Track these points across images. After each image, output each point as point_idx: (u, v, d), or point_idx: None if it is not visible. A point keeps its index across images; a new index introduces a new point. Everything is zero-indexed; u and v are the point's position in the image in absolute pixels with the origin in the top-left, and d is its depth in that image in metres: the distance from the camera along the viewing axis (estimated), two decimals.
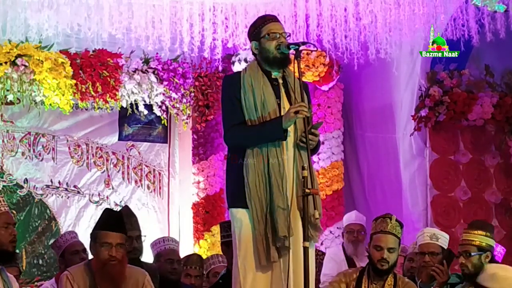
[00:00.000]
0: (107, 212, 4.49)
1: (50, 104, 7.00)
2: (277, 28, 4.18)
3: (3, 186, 7.51)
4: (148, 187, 8.12)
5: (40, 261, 7.56)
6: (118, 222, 4.36)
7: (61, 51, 7.10)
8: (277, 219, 3.94)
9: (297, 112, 3.94)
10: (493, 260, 4.81)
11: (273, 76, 4.17)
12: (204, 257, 6.73)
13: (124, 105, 7.49)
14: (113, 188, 7.97)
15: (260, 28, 4.19)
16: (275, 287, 4.00)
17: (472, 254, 4.67)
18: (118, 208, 7.92)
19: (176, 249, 5.79)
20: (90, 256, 4.97)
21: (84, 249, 5.91)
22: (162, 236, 6.44)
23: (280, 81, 4.18)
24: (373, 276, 4.70)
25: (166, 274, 5.57)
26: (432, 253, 5.21)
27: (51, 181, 7.72)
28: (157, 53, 7.50)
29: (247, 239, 4.00)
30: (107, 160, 7.98)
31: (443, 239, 5.33)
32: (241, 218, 4.03)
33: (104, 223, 4.35)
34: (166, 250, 5.70)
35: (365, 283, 4.66)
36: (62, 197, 7.74)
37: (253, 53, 4.26)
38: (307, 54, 7.69)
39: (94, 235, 4.35)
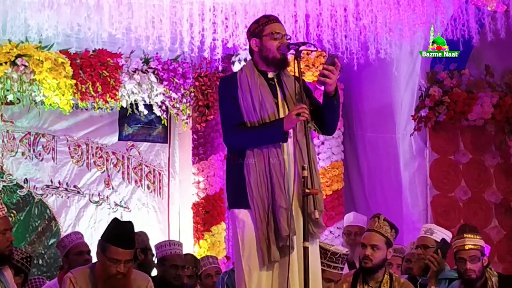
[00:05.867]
0: (118, 225, 4.38)
1: (50, 104, 7.00)
2: (280, 29, 4.17)
3: (3, 186, 7.52)
4: (148, 187, 8.12)
5: (40, 261, 7.56)
6: (128, 238, 4.29)
7: (61, 51, 7.10)
8: (279, 219, 3.94)
9: (299, 114, 3.93)
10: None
11: (269, 76, 4.17)
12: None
13: (124, 105, 7.49)
14: (113, 188, 7.97)
15: (264, 26, 4.17)
16: (279, 286, 4.00)
17: (480, 258, 4.73)
18: (118, 208, 7.93)
19: (181, 254, 5.76)
20: (94, 258, 4.96)
21: (89, 251, 5.92)
22: (167, 240, 6.43)
23: (276, 80, 4.18)
24: (368, 278, 4.69)
25: (170, 279, 5.57)
26: (424, 246, 5.25)
27: (51, 181, 7.72)
28: (157, 53, 7.50)
29: (250, 239, 4.00)
30: (107, 160, 7.98)
31: (440, 234, 5.35)
32: (243, 218, 4.03)
33: (115, 237, 4.25)
34: (171, 255, 5.67)
35: (360, 286, 4.65)
36: (62, 197, 7.74)
37: (251, 51, 4.24)
38: (307, 54, 7.69)
39: (103, 246, 4.27)
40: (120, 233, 4.28)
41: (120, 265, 4.20)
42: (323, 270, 4.39)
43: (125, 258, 4.23)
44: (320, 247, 4.43)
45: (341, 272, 4.53)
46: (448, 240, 5.29)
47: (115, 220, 4.46)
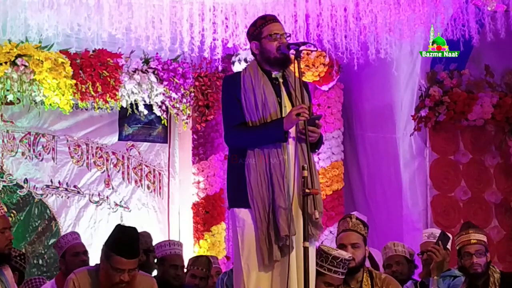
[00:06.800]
0: (122, 232, 4.28)
1: (50, 104, 7.00)
2: (278, 28, 4.18)
3: (3, 186, 7.52)
4: (148, 187, 8.12)
5: (40, 261, 7.56)
6: (133, 247, 4.22)
7: (61, 51, 7.10)
8: (278, 219, 3.94)
9: (299, 114, 3.93)
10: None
11: (273, 76, 4.17)
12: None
13: (124, 105, 7.50)
14: (113, 188, 7.97)
15: (261, 28, 4.18)
16: (278, 285, 4.00)
17: (485, 253, 4.73)
18: (118, 208, 7.93)
19: (180, 254, 5.77)
20: (93, 258, 4.92)
21: (85, 251, 5.91)
22: (167, 239, 6.43)
23: (281, 80, 4.18)
24: (348, 278, 4.65)
25: (169, 279, 5.57)
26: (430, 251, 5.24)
27: (51, 181, 7.72)
28: (157, 53, 7.50)
29: (250, 239, 4.00)
30: (107, 160, 7.98)
31: None
32: (243, 217, 4.03)
33: (119, 247, 4.17)
34: (171, 255, 5.67)
35: (341, 286, 4.62)
36: (62, 197, 7.74)
37: (253, 53, 4.25)
38: (307, 54, 7.68)
39: (107, 254, 4.20)
40: (124, 242, 4.20)
41: (124, 274, 4.15)
42: (323, 274, 4.37)
43: (129, 267, 4.17)
44: (322, 251, 4.42)
45: (341, 277, 4.49)
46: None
47: (119, 227, 4.36)
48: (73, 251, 5.82)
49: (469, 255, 4.74)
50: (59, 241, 5.99)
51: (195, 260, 5.96)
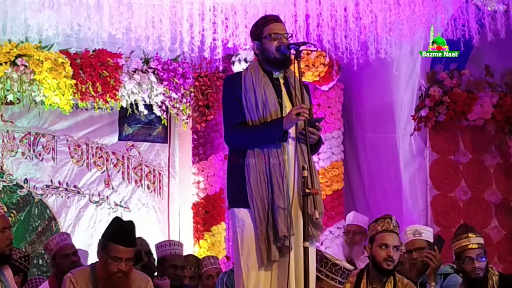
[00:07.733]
0: (119, 223, 4.40)
1: (50, 104, 7.00)
2: (279, 28, 4.18)
3: (3, 186, 7.52)
4: (148, 187, 8.12)
5: (40, 261, 7.56)
6: (130, 236, 4.32)
7: (61, 51, 7.10)
8: (277, 219, 3.94)
9: (299, 114, 3.94)
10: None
11: (274, 76, 4.17)
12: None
13: (124, 105, 7.49)
14: (113, 188, 7.97)
15: (262, 28, 4.19)
16: (277, 286, 4.00)
17: (485, 256, 4.75)
18: (118, 208, 7.93)
19: (180, 254, 5.78)
20: (90, 259, 4.94)
21: (75, 252, 5.90)
22: (167, 239, 6.43)
23: (282, 80, 4.19)
24: (372, 278, 4.65)
25: (169, 279, 5.58)
26: (418, 248, 5.24)
27: (51, 181, 7.72)
28: (157, 53, 7.50)
29: (250, 239, 4.01)
30: (107, 160, 7.98)
31: (427, 233, 5.36)
32: (243, 217, 4.04)
33: (116, 235, 4.27)
34: (171, 255, 5.69)
35: (364, 286, 4.62)
36: (62, 197, 7.74)
37: (255, 53, 4.26)
38: (307, 54, 7.68)
39: (103, 245, 4.29)
40: (121, 231, 4.30)
41: (121, 263, 4.22)
42: (320, 279, 4.37)
43: (126, 256, 4.24)
44: (324, 256, 4.42)
45: (339, 286, 4.48)
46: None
47: (117, 218, 4.47)
48: (62, 253, 5.81)
49: (470, 260, 4.74)
50: (48, 244, 5.98)
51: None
